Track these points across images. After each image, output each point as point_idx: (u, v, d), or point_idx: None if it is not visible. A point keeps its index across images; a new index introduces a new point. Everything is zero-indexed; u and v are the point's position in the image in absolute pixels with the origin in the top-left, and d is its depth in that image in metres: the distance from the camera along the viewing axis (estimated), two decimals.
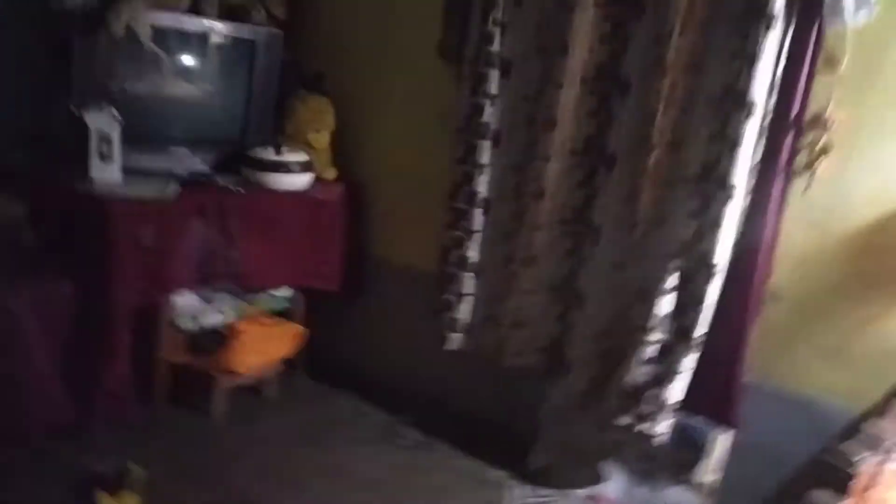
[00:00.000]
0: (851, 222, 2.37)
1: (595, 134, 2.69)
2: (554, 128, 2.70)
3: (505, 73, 2.77)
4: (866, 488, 1.32)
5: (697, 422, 2.65)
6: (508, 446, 2.94)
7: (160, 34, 2.81)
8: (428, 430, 3.10)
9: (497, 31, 2.72)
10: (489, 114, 2.80)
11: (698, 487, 2.67)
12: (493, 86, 2.78)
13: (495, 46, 2.75)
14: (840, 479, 1.24)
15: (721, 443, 2.64)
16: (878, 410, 2.28)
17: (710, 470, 2.66)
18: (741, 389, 2.49)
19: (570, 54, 2.63)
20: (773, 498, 1.40)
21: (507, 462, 2.92)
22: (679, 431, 2.65)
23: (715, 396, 2.55)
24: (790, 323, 2.50)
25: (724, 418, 2.56)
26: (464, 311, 2.96)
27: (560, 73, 2.65)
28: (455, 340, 2.99)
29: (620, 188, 2.62)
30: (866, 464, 1.43)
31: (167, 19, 2.85)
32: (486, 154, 2.83)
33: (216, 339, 2.99)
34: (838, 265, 2.41)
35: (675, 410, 2.56)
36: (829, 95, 2.31)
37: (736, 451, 2.61)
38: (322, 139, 3.28)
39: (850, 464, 1.26)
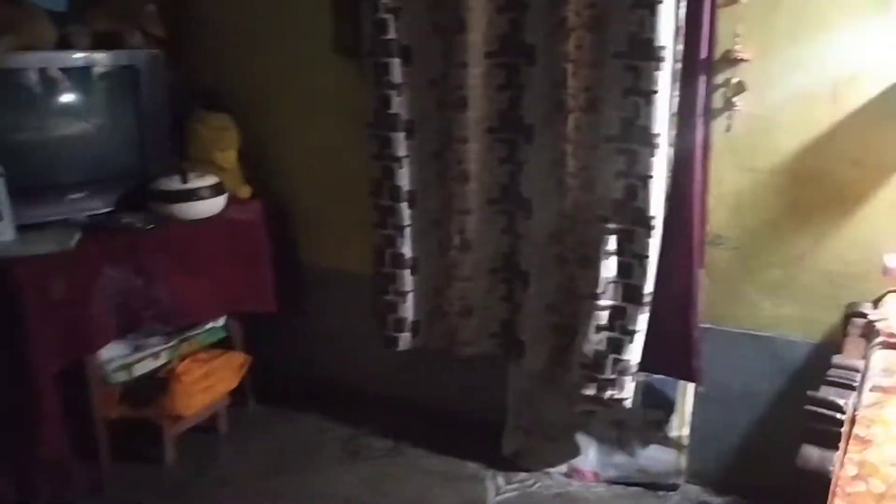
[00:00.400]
0: (777, 156, 2.36)
1: (509, 107, 2.60)
2: (466, 108, 2.60)
3: (406, 61, 2.65)
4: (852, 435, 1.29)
5: (660, 379, 2.62)
6: (479, 437, 2.89)
7: (34, 74, 2.61)
8: (394, 436, 3.01)
9: (390, 18, 2.59)
10: (398, 104, 2.68)
11: (672, 443, 2.65)
12: (397, 75, 2.66)
13: (391, 34, 2.63)
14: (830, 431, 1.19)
15: (687, 395, 2.62)
16: (835, 340, 2.29)
17: (680, 424, 2.64)
18: (697, 341, 2.46)
19: (470, 30, 2.53)
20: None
21: (481, 453, 2.86)
22: (644, 392, 2.63)
23: (673, 351, 2.52)
24: (734, 265, 2.49)
25: (684, 372, 2.54)
26: (408, 309, 2.86)
27: (462, 51, 2.55)
28: (404, 340, 2.89)
29: (544, 158, 2.55)
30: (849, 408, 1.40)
31: (37, 60, 2.64)
32: (401, 146, 2.72)
33: (155, 386, 2.82)
34: (771, 200, 2.40)
35: (637, 372, 2.53)
36: (735, 31, 2.28)
37: (701, 401, 2.59)
38: (229, 158, 3.12)
39: (838, 409, 1.21)
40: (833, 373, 1.48)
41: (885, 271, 2.21)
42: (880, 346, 1.82)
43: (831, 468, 1.12)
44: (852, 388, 1.44)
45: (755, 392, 2.52)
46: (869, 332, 1.98)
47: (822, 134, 2.27)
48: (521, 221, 2.65)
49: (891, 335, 1.86)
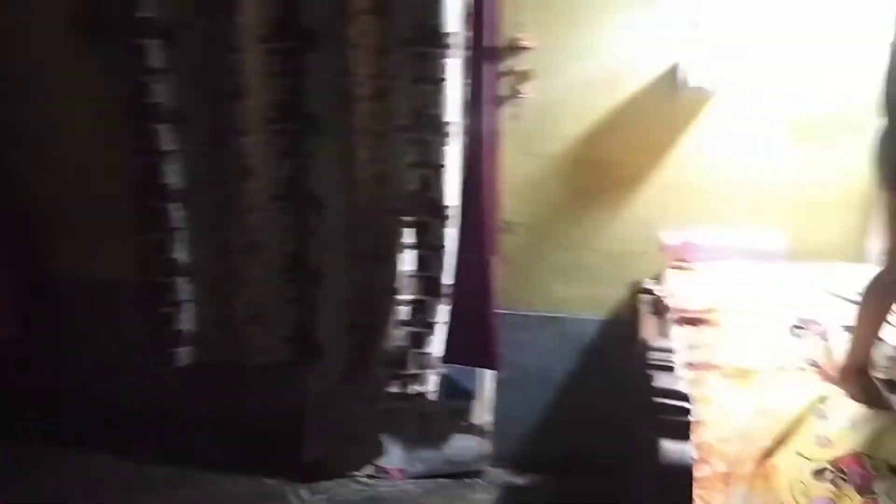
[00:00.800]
0: (561, 142, 2.43)
1: (290, 96, 2.41)
2: (242, 97, 2.38)
3: (168, 42, 2.36)
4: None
5: (458, 369, 2.61)
6: (277, 451, 2.69)
7: None
8: (182, 461, 2.70)
9: None
10: (160, 92, 2.38)
11: (476, 430, 2.67)
12: (156, 58, 2.36)
13: (147, 11, 2.31)
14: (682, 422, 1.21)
15: (486, 382, 2.64)
16: (622, 315, 2.42)
17: (482, 411, 2.66)
18: (495, 328, 2.47)
19: (240, 10, 2.29)
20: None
21: (280, 468, 2.67)
22: (446, 384, 2.60)
23: (472, 341, 2.51)
24: (526, 251, 2.54)
25: (484, 360, 2.55)
26: (186, 320, 2.58)
27: (232, 34, 2.31)
28: (185, 355, 2.61)
29: (332, 150, 2.40)
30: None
31: None
32: (168, 139, 2.42)
33: None
34: (557, 186, 2.47)
35: (439, 364, 2.50)
36: (518, 20, 2.29)
37: (501, 386, 2.63)
38: None
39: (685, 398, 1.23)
40: (655, 356, 1.53)
41: (663, 248, 2.37)
42: (676, 323, 1.93)
43: (692, 460, 1.14)
44: (672, 370, 1.50)
45: (551, 372, 2.61)
46: (659, 308, 2.10)
47: (601, 120, 2.37)
48: (311, 218, 2.49)
49: (684, 311, 1.98)
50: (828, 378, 1.75)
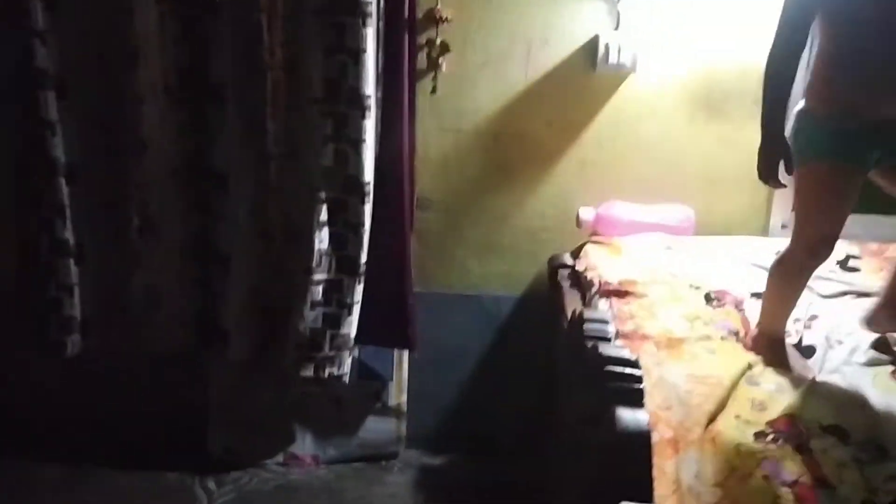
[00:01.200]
0: (479, 117, 2.40)
1: (190, 64, 2.25)
2: (136, 63, 2.20)
3: (49, 4, 2.14)
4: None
5: (374, 350, 2.55)
6: (179, 443, 2.53)
7: None
8: (73, 461, 2.48)
9: None
10: (43, 56, 2.16)
11: (391, 412, 2.61)
12: (39, 18, 2.14)
13: None
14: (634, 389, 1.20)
15: (402, 362, 2.59)
16: (539, 292, 2.43)
17: (397, 392, 2.61)
18: (412, 308, 2.42)
19: None
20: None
21: (184, 460, 2.51)
22: (359, 365, 2.53)
23: (388, 321, 2.45)
24: (442, 228, 2.50)
25: (400, 341, 2.49)
26: (76, 305, 2.37)
27: None
28: (74, 344, 2.39)
29: (239, 124, 2.26)
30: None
31: None
32: (52, 108, 2.20)
33: None
34: (474, 162, 2.44)
35: (353, 346, 2.42)
36: None
37: (417, 366, 2.58)
38: None
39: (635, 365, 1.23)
40: (591, 327, 1.52)
41: (580, 223, 2.39)
42: (601, 296, 1.95)
43: (648, 427, 1.13)
44: (609, 340, 1.50)
45: (467, 350, 2.59)
46: (580, 282, 2.11)
47: (518, 95, 2.36)
48: (216, 197, 2.33)
49: (607, 284, 2.00)
50: (746, 346, 1.82)
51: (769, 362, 1.74)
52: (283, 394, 2.54)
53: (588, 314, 1.62)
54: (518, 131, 2.39)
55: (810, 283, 1.82)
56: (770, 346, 1.80)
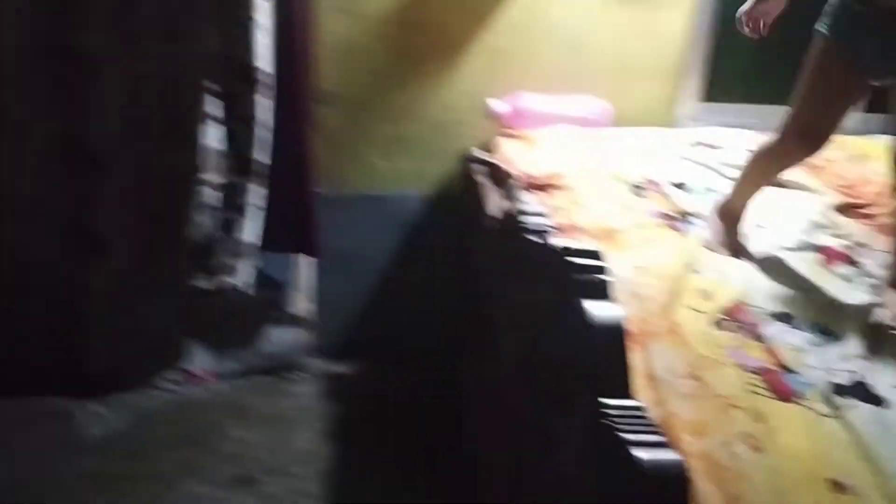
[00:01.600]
0: (384, 1, 2.18)
1: None
2: None
3: None
4: None
5: (271, 256, 2.36)
6: (59, 362, 2.28)
7: None
8: None
9: None
10: None
11: (294, 321, 2.46)
12: None
13: None
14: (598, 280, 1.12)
15: (305, 269, 2.43)
16: (451, 189, 2.31)
17: (300, 300, 2.45)
18: (314, 212, 2.24)
19: None
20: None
21: (65, 382, 2.26)
22: (261, 274, 2.34)
23: (289, 225, 2.26)
24: (346, 124, 2.31)
25: (303, 246, 2.32)
26: None
27: None
28: None
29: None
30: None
31: None
32: None
33: None
34: (379, 51, 2.25)
35: (253, 252, 2.23)
36: None
37: (322, 272, 2.42)
38: None
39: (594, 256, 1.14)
40: (529, 220, 1.42)
41: (490, 116, 2.26)
42: (524, 190, 1.84)
43: (622, 318, 1.06)
44: (546, 233, 1.41)
45: (375, 253, 2.45)
46: (499, 176, 2.01)
47: None
48: (83, 85, 2.03)
49: (531, 177, 1.90)
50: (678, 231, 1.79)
51: (718, 234, 1.74)
52: (171, 305, 2.33)
53: (524, 207, 1.51)
54: (424, 18, 2.21)
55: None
56: (729, 221, 1.80)
